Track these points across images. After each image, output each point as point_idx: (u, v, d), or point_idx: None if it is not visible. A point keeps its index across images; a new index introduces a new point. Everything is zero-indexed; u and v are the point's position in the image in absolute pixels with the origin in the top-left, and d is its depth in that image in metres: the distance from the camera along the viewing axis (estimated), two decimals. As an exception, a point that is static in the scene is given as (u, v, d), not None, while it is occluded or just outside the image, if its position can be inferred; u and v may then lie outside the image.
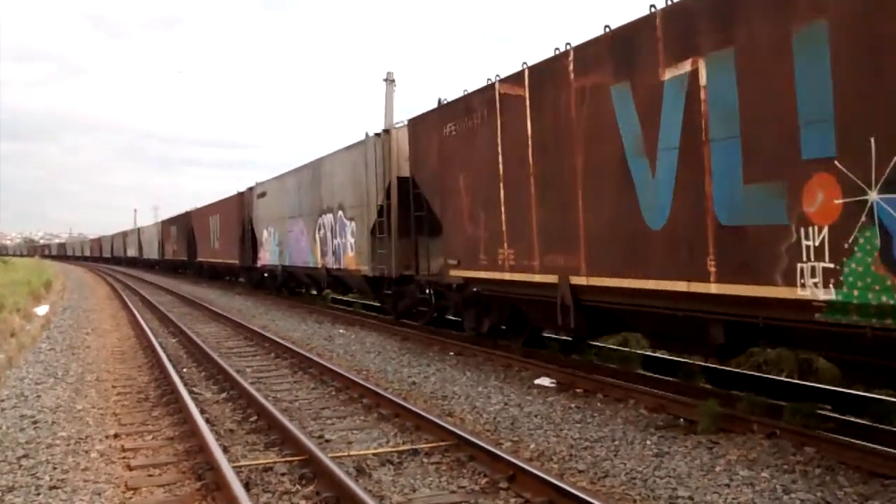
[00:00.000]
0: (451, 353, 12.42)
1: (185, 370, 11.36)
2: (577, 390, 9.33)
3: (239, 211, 29.18)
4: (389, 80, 32.29)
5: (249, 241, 27.93)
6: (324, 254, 19.21)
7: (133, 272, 53.62)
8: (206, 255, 36.33)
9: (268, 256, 25.34)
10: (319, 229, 19.53)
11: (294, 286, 25.27)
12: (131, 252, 65.76)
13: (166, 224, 49.69)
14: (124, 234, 73.24)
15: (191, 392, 9.27)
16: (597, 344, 11.86)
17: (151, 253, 55.07)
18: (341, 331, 15.98)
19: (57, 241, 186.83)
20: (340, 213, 17.81)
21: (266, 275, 27.11)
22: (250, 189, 28.04)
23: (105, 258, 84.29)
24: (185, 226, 41.94)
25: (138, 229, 65.12)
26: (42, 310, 21.96)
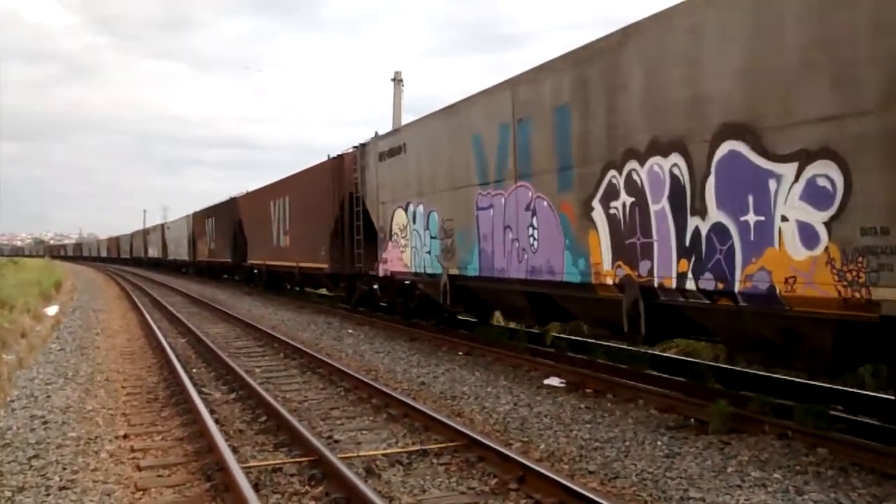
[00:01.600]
0: (460, 353, 12.40)
1: (194, 370, 11.37)
2: (587, 390, 9.30)
3: (333, 185, 18.66)
4: (397, 80, 32.33)
5: (355, 232, 17.27)
6: (631, 253, 8.30)
7: (150, 275, 53.00)
8: (265, 257, 26.13)
9: (406, 258, 14.34)
10: (610, 199, 8.61)
11: (471, 311, 14.20)
12: (153, 252, 57.67)
13: (200, 217, 40.04)
14: (145, 232, 64.87)
15: (200, 392, 9.27)
16: (606, 343, 11.82)
17: (179, 253, 46.24)
18: (350, 331, 15.97)
19: (68, 241, 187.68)
20: (738, 147, 6.94)
21: (377, 288, 17.53)
22: (361, 146, 16.87)
23: (123, 259, 77.27)
24: (228, 217, 32.26)
25: (162, 225, 54.97)
26: (52, 310, 22.05)
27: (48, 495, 5.89)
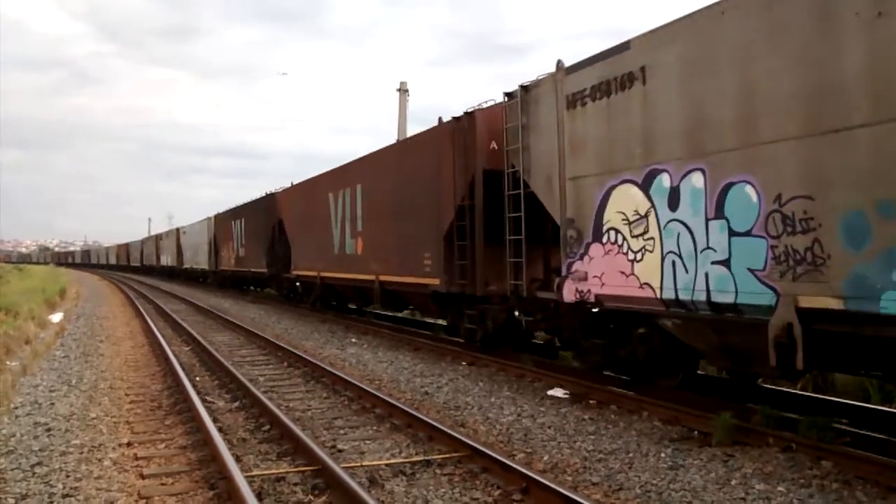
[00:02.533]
0: (464, 363, 12.38)
1: (197, 378, 11.38)
2: (591, 401, 9.28)
3: (452, 161, 12.52)
4: (403, 90, 32.47)
5: (508, 230, 11.03)
6: None
7: (160, 285, 52.47)
8: (322, 267, 20.02)
9: (644, 271, 8.52)
10: None
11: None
12: (166, 260, 52.87)
13: (224, 219, 34.96)
14: (157, 238, 60.18)
15: (203, 401, 9.27)
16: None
17: (198, 261, 41.36)
18: (353, 340, 15.97)
19: (73, 248, 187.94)
20: None
21: (521, 317, 11.56)
22: (522, 90, 10.76)
23: (133, 267, 72.42)
24: (263, 217, 26.90)
25: (177, 230, 50.02)
26: (56, 317, 22.09)
27: (51, 503, 5.89)
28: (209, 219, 38.62)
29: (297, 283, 23.63)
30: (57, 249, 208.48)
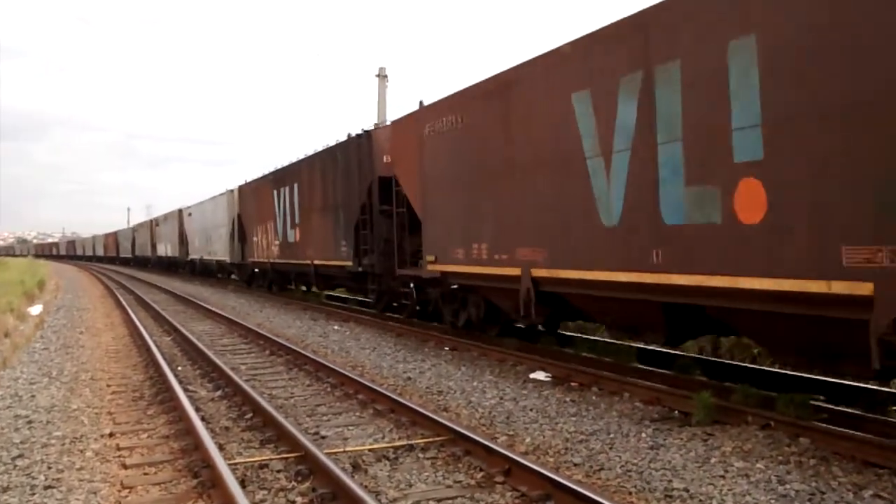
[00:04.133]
0: (447, 349, 12.42)
1: (179, 368, 11.34)
2: (573, 384, 9.35)
3: None
4: (382, 76, 32.30)
5: None
6: None
7: (159, 281, 51.77)
8: (551, 258, 9.35)
9: None
10: None
11: None
12: (164, 250, 44.73)
13: (258, 189, 25.75)
14: (153, 224, 50.28)
15: (185, 390, 9.24)
16: (591, 338, 11.89)
17: (212, 250, 32.10)
18: (336, 327, 15.97)
19: (50, 239, 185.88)
20: None
21: None
22: None
23: (123, 258, 64.75)
24: (342, 178, 17.60)
25: (180, 211, 40.20)
26: (36, 309, 21.89)
27: (33, 494, 5.86)
28: (230, 192, 29.11)
29: (412, 287, 14.72)
30: (36, 241, 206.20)
